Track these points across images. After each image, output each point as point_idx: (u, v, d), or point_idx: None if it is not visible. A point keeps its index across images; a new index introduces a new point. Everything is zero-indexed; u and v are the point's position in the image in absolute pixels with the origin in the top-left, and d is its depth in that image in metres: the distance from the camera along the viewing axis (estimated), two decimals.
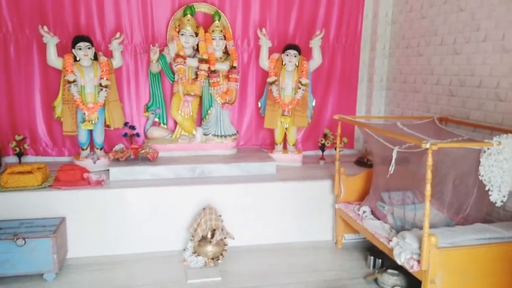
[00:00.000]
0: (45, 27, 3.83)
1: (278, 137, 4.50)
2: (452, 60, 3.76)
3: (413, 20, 4.32)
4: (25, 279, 3.14)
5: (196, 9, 4.32)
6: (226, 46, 4.33)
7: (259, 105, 4.56)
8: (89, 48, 3.88)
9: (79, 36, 3.92)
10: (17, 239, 3.03)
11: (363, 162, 4.49)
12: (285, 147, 4.56)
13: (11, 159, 4.23)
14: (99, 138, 4.10)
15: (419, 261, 2.59)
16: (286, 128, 4.45)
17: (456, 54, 3.71)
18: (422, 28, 4.17)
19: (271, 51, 4.34)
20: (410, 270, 2.66)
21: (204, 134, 4.35)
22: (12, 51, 4.13)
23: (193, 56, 4.23)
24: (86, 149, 4.10)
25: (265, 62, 4.31)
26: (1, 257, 3.04)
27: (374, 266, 3.44)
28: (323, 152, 4.62)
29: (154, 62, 4.16)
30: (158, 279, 3.22)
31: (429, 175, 2.48)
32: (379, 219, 3.29)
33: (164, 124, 4.49)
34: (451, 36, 3.76)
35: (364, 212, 3.41)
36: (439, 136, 3.08)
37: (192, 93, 4.20)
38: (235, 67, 4.29)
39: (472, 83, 3.53)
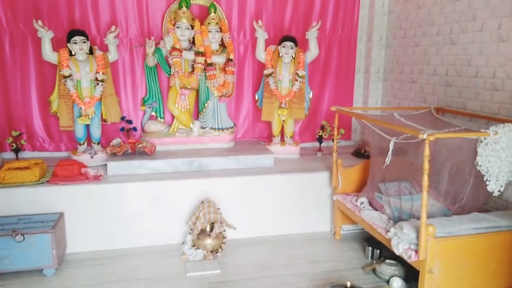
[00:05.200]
0: (39, 22, 3.80)
1: (275, 130, 4.49)
2: (448, 51, 3.75)
3: (410, 10, 4.30)
4: (24, 275, 3.14)
5: (191, 2, 4.28)
6: (222, 38, 4.30)
7: (256, 98, 4.54)
8: (84, 42, 3.85)
9: (74, 30, 3.89)
10: (16, 235, 3.02)
11: (360, 153, 4.50)
12: (282, 140, 4.56)
13: (8, 155, 4.22)
14: (96, 132, 4.09)
15: (416, 251, 2.60)
16: (283, 120, 4.44)
17: (452, 44, 3.70)
18: (419, 18, 4.15)
19: (267, 43, 4.32)
20: (408, 260, 2.67)
21: (201, 127, 4.35)
22: (7, 46, 4.10)
23: (189, 49, 4.20)
24: (83, 143, 4.08)
25: (261, 54, 4.29)
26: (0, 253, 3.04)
27: (372, 257, 3.46)
28: (320, 143, 4.62)
29: (150, 55, 4.14)
30: (157, 272, 3.24)
31: (426, 165, 2.48)
32: (377, 210, 3.30)
33: (161, 118, 4.47)
34: (447, 26, 3.76)
35: (362, 203, 3.43)
36: (436, 126, 3.08)
37: (189, 87, 4.19)
38: (231, 60, 4.27)
39: (469, 73, 3.52)
